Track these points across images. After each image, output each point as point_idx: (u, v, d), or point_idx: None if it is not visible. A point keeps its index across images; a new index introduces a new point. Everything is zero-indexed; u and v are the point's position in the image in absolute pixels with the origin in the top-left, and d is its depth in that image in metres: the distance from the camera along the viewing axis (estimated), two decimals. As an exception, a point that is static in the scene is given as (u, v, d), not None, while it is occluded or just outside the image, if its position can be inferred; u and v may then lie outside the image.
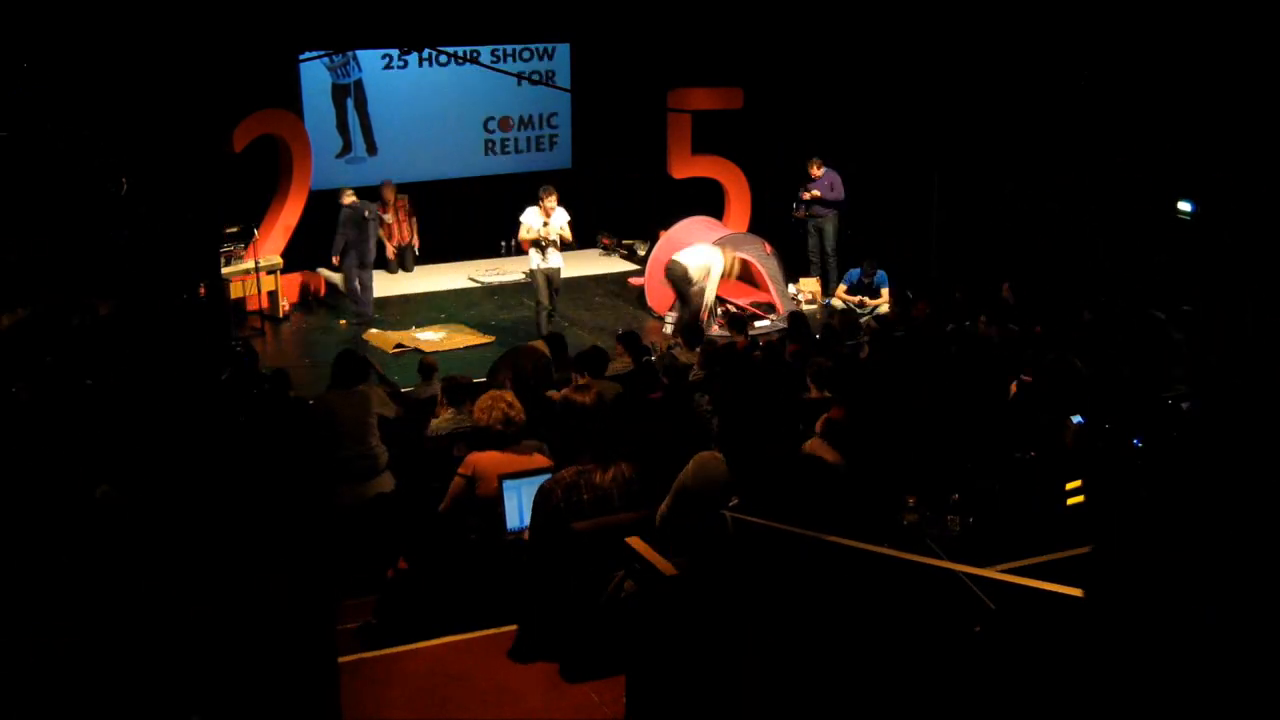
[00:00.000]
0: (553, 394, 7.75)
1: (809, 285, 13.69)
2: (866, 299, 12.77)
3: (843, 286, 13.02)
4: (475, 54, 13.82)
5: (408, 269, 14.62)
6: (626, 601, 4.53)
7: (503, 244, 15.24)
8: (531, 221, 11.40)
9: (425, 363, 9.24)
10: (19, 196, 9.33)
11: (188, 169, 10.51)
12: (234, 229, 12.29)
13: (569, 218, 11.59)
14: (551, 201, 11.33)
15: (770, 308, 12.67)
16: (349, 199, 12.54)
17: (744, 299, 12.92)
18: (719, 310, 12.28)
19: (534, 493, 5.08)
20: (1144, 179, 10.93)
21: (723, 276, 12.12)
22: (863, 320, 12.13)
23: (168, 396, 7.84)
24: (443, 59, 14.05)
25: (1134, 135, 10.90)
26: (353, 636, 5.38)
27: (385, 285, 13.93)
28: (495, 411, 5.63)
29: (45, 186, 9.45)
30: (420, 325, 12.48)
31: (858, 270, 12.93)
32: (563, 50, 15.47)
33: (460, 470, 5.64)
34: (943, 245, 13.09)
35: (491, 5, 13.35)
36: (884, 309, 12.48)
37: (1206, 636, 2.49)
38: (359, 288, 12.59)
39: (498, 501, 5.43)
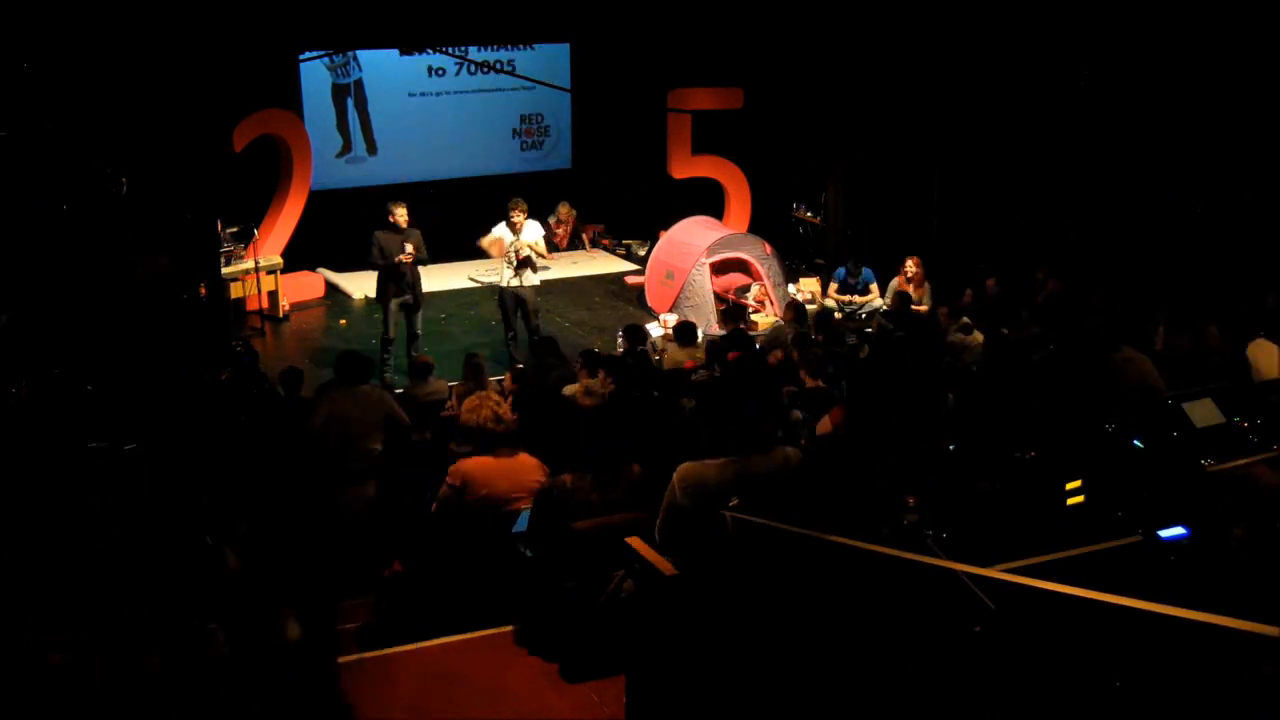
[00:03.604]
0: (570, 389, 7.79)
1: (809, 285, 13.70)
2: (856, 297, 12.78)
3: (834, 285, 13.05)
4: (465, 52, 13.90)
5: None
6: (626, 601, 4.53)
7: None
8: (503, 237, 10.72)
9: (420, 361, 9.21)
10: (19, 196, 9.33)
11: (188, 169, 10.50)
12: (234, 229, 12.30)
13: (544, 232, 11.07)
14: (520, 216, 10.62)
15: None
16: None
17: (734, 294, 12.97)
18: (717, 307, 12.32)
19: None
20: (1144, 178, 10.94)
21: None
22: (863, 314, 12.24)
23: (168, 396, 7.84)
24: (450, 63, 14.10)
25: (1134, 134, 10.91)
26: (352, 637, 5.38)
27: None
28: (484, 411, 5.56)
29: (45, 186, 9.45)
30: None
31: (844, 269, 12.97)
32: (563, 50, 15.47)
33: (448, 479, 5.59)
34: (943, 245, 13.09)
35: (491, 5, 13.35)
36: (876, 302, 12.58)
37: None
38: None
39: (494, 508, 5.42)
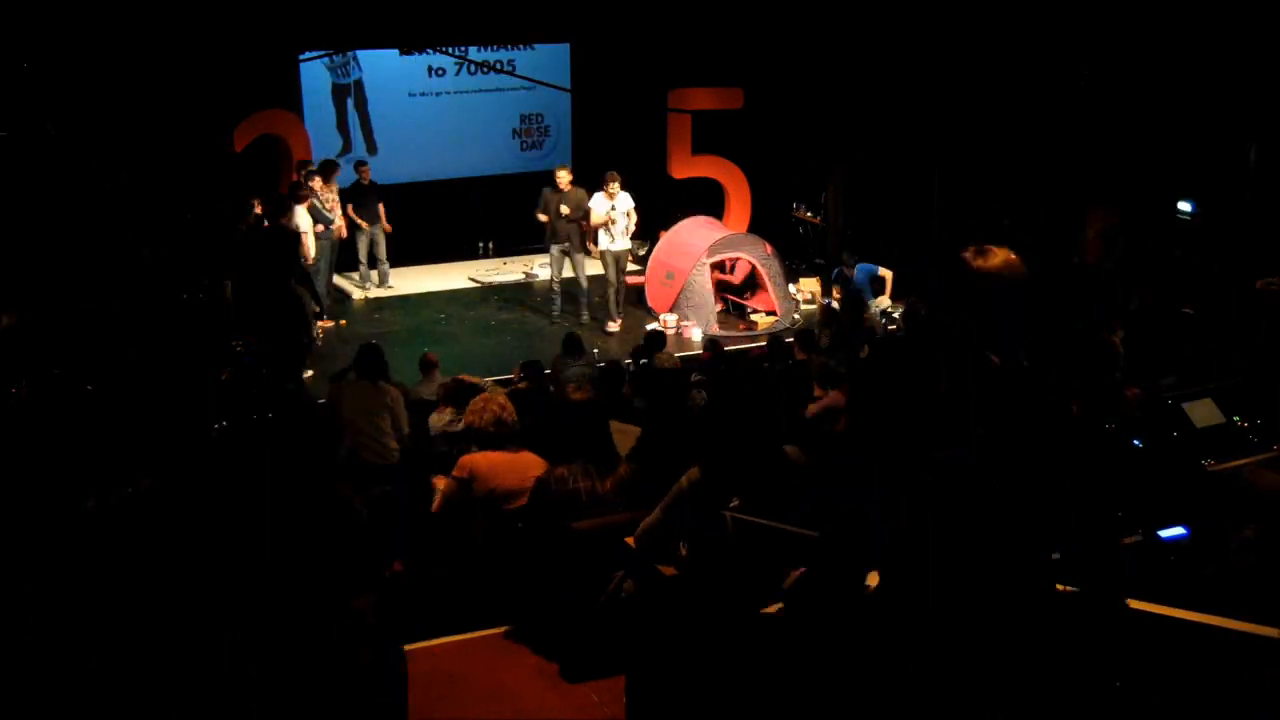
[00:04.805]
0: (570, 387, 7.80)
1: (809, 285, 13.70)
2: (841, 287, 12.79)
3: (835, 289, 13.08)
4: (465, 53, 13.91)
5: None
6: (626, 601, 4.53)
7: (480, 246, 15.31)
8: (598, 207, 12.02)
9: (427, 359, 9.21)
10: (19, 196, 9.33)
11: (188, 169, 10.51)
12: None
13: (634, 204, 12.13)
14: (614, 186, 11.95)
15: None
16: None
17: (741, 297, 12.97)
18: (717, 309, 12.35)
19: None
20: (1145, 179, 10.93)
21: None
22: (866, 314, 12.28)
23: (168, 397, 7.84)
24: (450, 63, 14.10)
25: (1134, 135, 10.90)
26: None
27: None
28: (487, 414, 5.63)
29: (45, 186, 9.46)
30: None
31: (838, 269, 12.99)
32: (562, 50, 15.46)
33: (455, 472, 5.62)
34: (943, 245, 13.09)
35: (491, 5, 13.35)
36: (885, 303, 12.60)
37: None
38: None
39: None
